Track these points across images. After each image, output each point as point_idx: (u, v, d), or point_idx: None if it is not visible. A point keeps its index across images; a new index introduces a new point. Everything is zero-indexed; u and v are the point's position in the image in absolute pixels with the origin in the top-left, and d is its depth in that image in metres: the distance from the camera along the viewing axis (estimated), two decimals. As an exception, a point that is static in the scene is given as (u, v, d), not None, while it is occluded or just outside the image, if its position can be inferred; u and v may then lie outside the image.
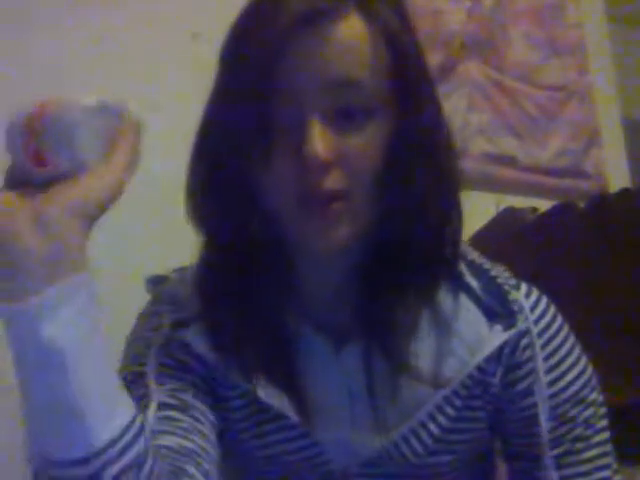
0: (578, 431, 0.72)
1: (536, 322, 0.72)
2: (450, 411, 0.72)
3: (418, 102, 0.66)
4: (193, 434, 0.66)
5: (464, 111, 2.08)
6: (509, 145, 2.16)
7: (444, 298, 0.71)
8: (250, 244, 0.68)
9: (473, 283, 0.73)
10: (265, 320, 0.70)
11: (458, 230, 0.70)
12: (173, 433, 0.65)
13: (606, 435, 0.74)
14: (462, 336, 0.70)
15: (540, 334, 0.72)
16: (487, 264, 0.76)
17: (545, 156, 2.23)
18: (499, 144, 2.14)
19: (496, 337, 0.70)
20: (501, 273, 0.75)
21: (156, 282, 0.80)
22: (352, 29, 0.63)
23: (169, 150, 1.04)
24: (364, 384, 0.70)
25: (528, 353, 0.72)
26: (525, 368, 0.72)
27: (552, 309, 0.75)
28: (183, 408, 0.67)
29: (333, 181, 0.63)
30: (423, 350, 0.70)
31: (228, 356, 0.70)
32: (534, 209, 1.53)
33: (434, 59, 2.04)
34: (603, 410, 0.74)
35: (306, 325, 0.72)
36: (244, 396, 0.72)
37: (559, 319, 0.75)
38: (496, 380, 0.72)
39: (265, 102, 0.62)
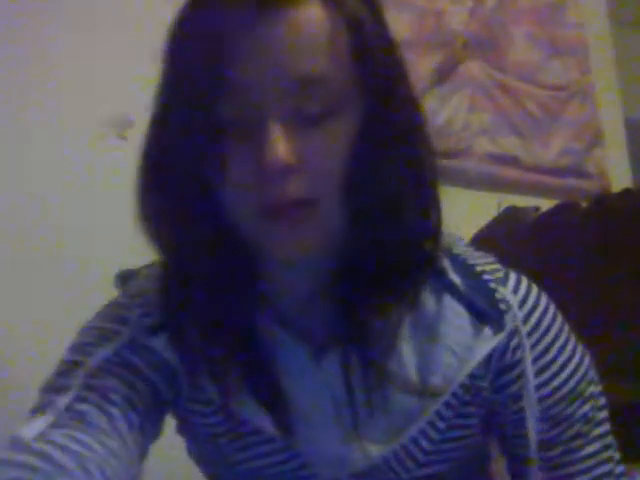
0: (576, 428, 0.68)
1: (525, 320, 0.67)
2: (441, 424, 0.68)
3: (388, 96, 0.60)
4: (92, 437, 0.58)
5: (466, 111, 2.08)
6: (511, 145, 2.16)
7: (427, 299, 0.66)
8: (213, 255, 0.61)
9: (457, 281, 0.67)
10: (237, 329, 0.64)
11: (437, 228, 0.64)
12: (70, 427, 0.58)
13: (606, 426, 0.69)
14: (449, 341, 0.66)
15: (530, 333, 0.67)
16: (472, 258, 0.70)
17: (547, 156, 2.23)
18: (501, 144, 2.14)
19: (485, 342, 0.66)
20: (487, 266, 0.70)
21: (125, 278, 0.73)
22: (311, 16, 0.56)
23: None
24: (346, 397, 0.65)
25: (518, 354, 0.67)
26: (516, 370, 0.68)
27: (542, 301, 0.70)
28: (101, 416, 0.60)
29: (297, 188, 0.56)
30: (407, 358, 0.65)
31: (200, 368, 0.66)
32: (537, 208, 1.52)
33: (436, 59, 2.05)
34: (602, 401, 0.70)
35: (283, 333, 0.67)
36: (220, 411, 0.68)
37: (551, 312, 0.70)
38: (486, 384, 0.68)
39: (214, 101, 0.55)
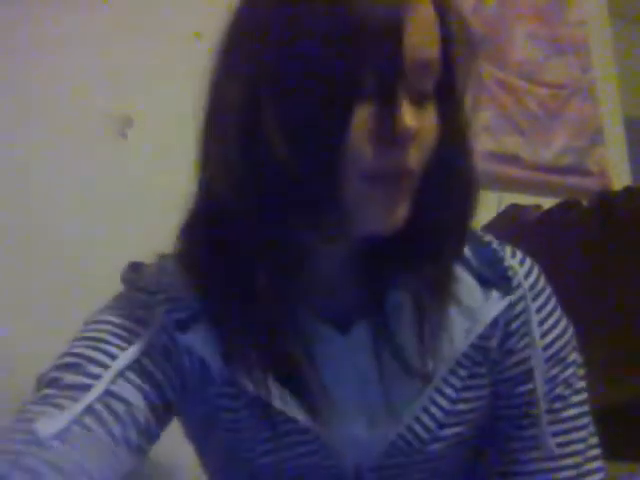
0: (558, 391, 0.72)
1: (531, 288, 0.74)
2: (456, 382, 0.71)
3: (459, 91, 0.69)
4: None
5: (468, 109, 2.08)
6: (512, 143, 2.16)
7: None
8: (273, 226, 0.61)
9: (468, 253, 0.73)
10: (272, 312, 0.64)
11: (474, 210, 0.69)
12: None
13: (584, 396, 0.74)
14: (460, 306, 0.70)
15: (534, 299, 0.73)
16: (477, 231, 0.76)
17: (548, 154, 2.23)
18: (502, 142, 2.14)
19: (495, 304, 0.71)
20: (492, 238, 0.77)
21: (137, 271, 0.73)
22: (429, 11, 0.62)
23: (176, 149, 1.05)
24: (375, 368, 0.68)
25: (523, 318, 0.73)
26: (520, 332, 0.73)
27: (535, 267, 0.76)
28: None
29: (411, 159, 0.61)
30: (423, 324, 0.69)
31: (235, 358, 0.66)
32: (538, 206, 1.53)
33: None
34: (582, 371, 0.75)
35: (310, 314, 0.69)
36: (251, 405, 0.68)
37: (543, 277, 0.76)
38: (494, 344, 0.72)
39: (357, 69, 0.58)
